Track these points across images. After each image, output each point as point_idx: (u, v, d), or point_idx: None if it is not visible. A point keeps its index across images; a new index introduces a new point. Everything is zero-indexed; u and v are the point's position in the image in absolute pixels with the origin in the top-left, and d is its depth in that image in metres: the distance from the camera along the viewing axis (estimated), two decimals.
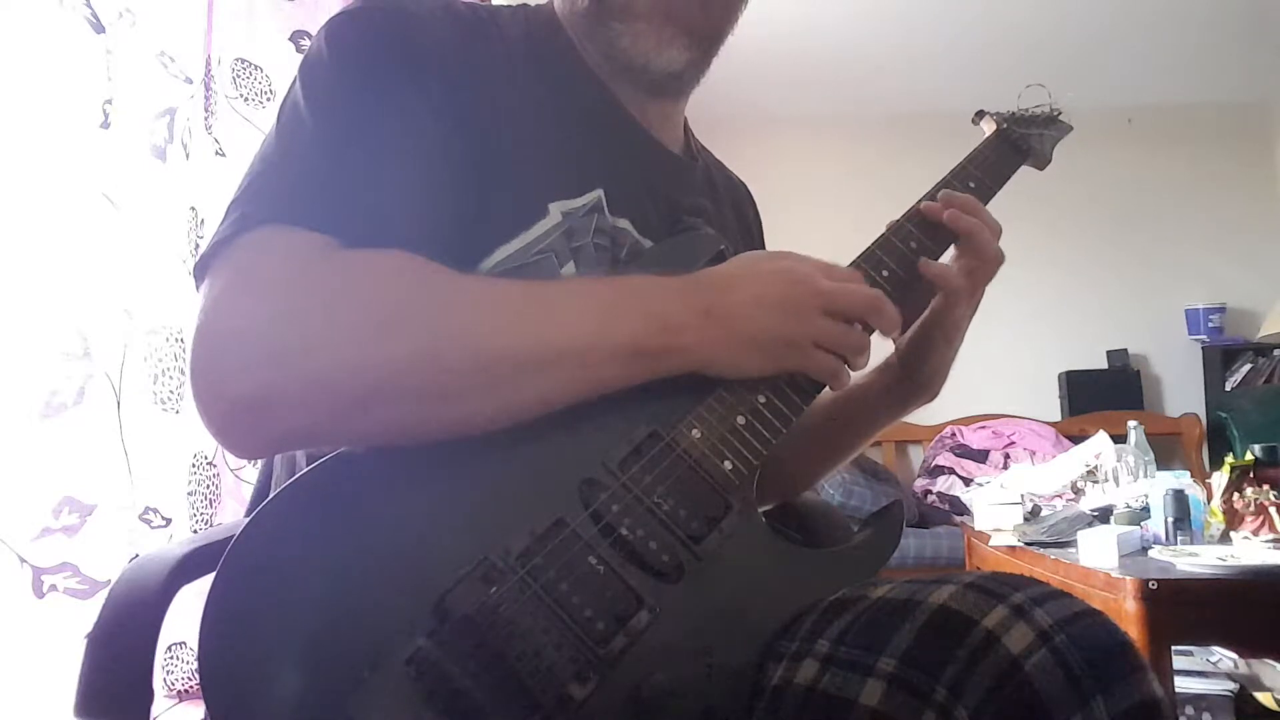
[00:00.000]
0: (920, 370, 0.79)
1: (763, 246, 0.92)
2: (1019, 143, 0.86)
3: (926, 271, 0.73)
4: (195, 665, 1.71)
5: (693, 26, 0.72)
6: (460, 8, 0.70)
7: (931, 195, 0.78)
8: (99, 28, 1.52)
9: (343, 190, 0.58)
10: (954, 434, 3.78)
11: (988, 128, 0.89)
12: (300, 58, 0.66)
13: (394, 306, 0.55)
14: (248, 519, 0.52)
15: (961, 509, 3.19)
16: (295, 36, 1.96)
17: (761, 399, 0.65)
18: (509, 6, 0.76)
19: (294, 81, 0.63)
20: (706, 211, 0.80)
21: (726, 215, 0.85)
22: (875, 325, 0.67)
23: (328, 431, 0.54)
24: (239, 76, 1.86)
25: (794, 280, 0.65)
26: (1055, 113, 0.93)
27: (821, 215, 3.92)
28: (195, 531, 1.78)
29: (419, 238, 0.59)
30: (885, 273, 0.73)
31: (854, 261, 0.74)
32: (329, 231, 0.57)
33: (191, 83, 1.76)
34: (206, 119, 1.79)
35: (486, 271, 0.63)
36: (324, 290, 0.55)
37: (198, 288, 0.57)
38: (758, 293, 0.63)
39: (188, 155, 1.74)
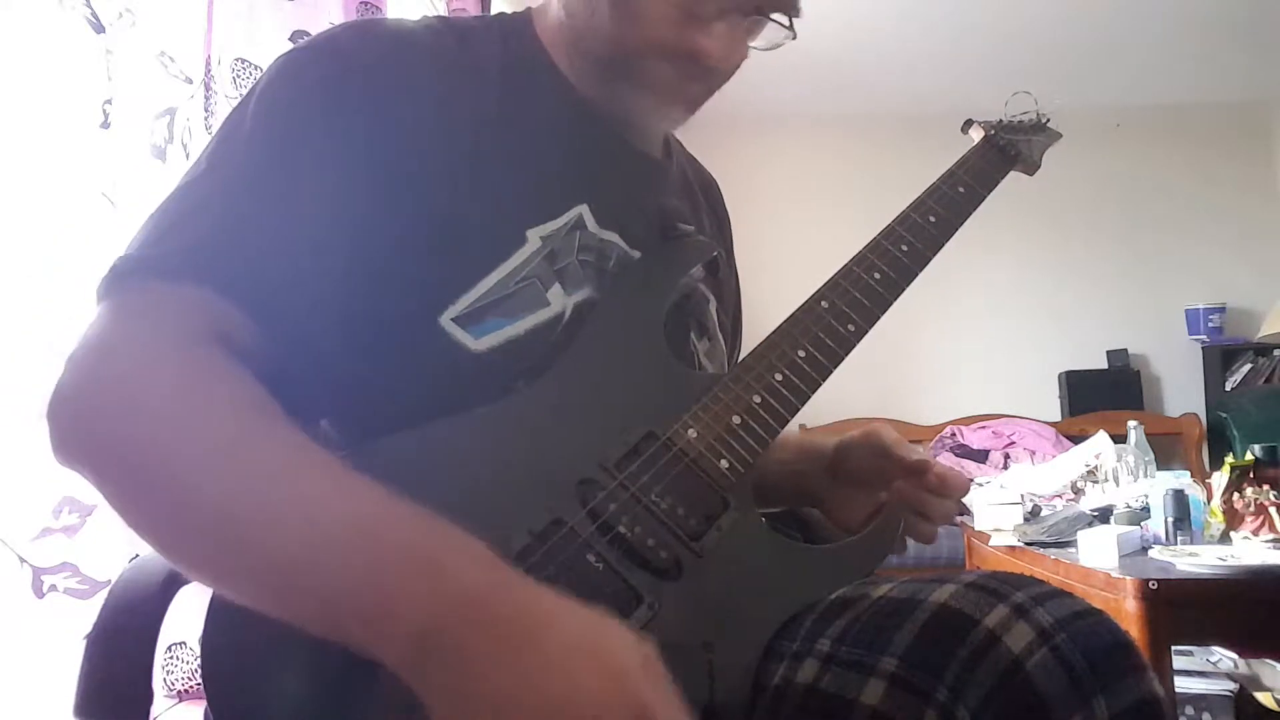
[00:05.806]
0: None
1: (731, 243, 0.92)
2: (1007, 148, 0.88)
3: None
4: (195, 665, 1.71)
5: (699, 104, 0.73)
6: (424, 36, 0.68)
7: (920, 201, 0.80)
8: (99, 28, 1.52)
9: (242, 251, 0.56)
10: (954, 434, 3.78)
11: (975, 135, 0.90)
12: None
13: (190, 445, 0.50)
14: None
15: (961, 509, 3.19)
16: (295, 36, 1.96)
17: (757, 399, 0.65)
18: (484, 18, 0.75)
19: (224, 121, 0.63)
20: (685, 214, 0.80)
21: (702, 214, 0.85)
22: None
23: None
24: (239, 76, 1.86)
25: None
26: (1044, 120, 0.94)
27: (821, 215, 3.93)
28: None
29: (332, 291, 0.59)
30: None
31: (828, 282, 0.73)
32: (228, 296, 0.55)
33: (191, 83, 1.77)
34: (206, 119, 1.79)
35: (468, 306, 0.62)
36: (156, 397, 0.52)
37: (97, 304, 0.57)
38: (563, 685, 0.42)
39: (188, 155, 1.74)
